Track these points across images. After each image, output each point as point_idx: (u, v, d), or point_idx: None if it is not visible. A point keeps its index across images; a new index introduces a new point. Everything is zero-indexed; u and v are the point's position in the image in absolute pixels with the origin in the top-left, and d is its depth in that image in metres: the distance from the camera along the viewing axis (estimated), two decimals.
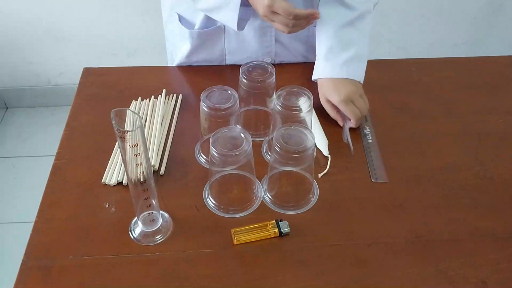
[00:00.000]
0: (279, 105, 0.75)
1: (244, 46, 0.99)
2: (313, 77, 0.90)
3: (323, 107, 0.88)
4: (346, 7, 0.87)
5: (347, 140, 0.84)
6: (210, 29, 0.96)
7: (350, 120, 0.86)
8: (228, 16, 0.85)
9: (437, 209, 0.74)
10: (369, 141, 0.85)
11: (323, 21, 0.87)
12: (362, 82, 0.89)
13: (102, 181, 0.76)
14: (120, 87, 0.95)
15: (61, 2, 1.85)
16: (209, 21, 0.96)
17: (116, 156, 0.80)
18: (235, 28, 0.85)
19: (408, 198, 0.76)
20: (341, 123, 0.87)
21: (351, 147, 0.83)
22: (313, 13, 0.78)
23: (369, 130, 0.87)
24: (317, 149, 0.82)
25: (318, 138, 0.84)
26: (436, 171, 0.80)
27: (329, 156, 0.81)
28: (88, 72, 0.99)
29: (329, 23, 0.87)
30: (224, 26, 0.96)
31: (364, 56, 0.90)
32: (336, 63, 0.87)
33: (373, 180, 0.78)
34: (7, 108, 2.18)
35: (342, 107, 0.84)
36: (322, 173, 0.79)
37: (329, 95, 0.86)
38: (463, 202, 0.75)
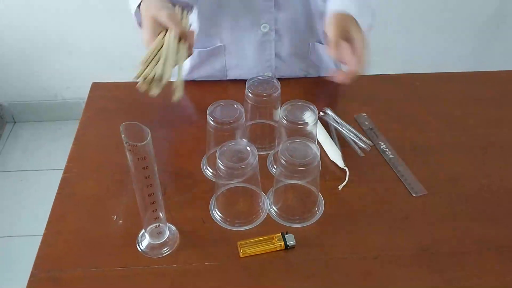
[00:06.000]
0: (285, 119, 0.76)
1: (245, 62, 1.00)
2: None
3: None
4: None
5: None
6: (210, 49, 0.98)
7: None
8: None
9: (443, 221, 0.74)
10: (390, 156, 0.84)
11: None
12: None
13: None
14: (128, 102, 0.97)
15: (69, 16, 1.88)
16: (209, 41, 0.98)
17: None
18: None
19: (413, 210, 0.76)
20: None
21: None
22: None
23: (385, 146, 0.86)
24: (332, 162, 0.83)
25: (330, 150, 0.84)
26: (442, 184, 0.80)
27: (346, 168, 0.81)
28: (96, 87, 1.00)
29: None
30: (224, 45, 0.98)
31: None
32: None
33: (413, 195, 0.78)
34: (15, 122, 2.20)
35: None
36: (342, 185, 0.79)
37: None
38: (469, 214, 0.76)
